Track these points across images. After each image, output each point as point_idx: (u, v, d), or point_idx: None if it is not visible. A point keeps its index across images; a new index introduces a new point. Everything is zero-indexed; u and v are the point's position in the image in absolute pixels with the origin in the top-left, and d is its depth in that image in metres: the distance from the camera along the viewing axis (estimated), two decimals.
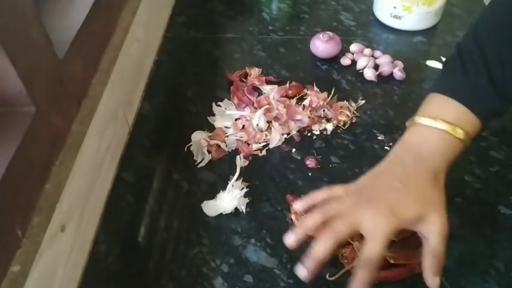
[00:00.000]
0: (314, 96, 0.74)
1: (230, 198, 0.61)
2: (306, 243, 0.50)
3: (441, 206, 0.49)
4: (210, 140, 0.69)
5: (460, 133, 0.51)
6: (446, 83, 0.55)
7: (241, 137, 0.70)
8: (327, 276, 0.57)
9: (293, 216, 0.59)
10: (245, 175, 0.65)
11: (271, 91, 0.76)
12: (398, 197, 0.49)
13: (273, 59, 0.84)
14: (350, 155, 0.69)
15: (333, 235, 0.47)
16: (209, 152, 0.68)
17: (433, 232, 0.48)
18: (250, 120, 0.71)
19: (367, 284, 0.46)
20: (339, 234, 0.47)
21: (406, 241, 0.54)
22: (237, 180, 0.62)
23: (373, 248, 0.46)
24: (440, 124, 0.51)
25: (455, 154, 0.52)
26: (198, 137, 0.69)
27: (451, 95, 0.52)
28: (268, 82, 0.79)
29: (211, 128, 0.72)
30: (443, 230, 0.48)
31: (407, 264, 0.54)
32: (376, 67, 0.81)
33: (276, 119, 0.72)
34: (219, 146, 0.69)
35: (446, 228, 0.49)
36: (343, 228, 0.47)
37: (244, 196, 0.61)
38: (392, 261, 0.53)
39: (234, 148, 0.70)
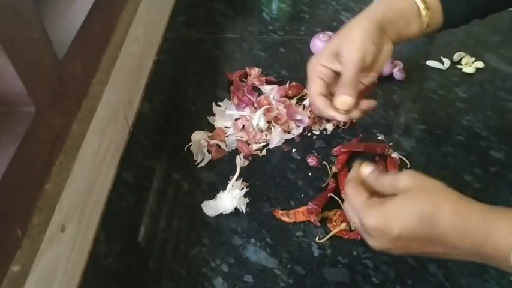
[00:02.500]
0: None
1: (230, 198, 0.61)
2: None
3: (353, 37, 0.54)
4: (210, 140, 0.69)
5: (423, 10, 0.55)
6: None
7: (241, 137, 0.70)
8: (316, 239, 0.58)
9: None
10: (245, 175, 0.65)
11: (271, 91, 0.76)
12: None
13: (273, 59, 0.84)
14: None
15: None
16: (209, 152, 0.68)
17: (343, 64, 0.54)
18: (250, 120, 0.71)
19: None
20: None
21: None
22: (237, 180, 0.62)
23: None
24: None
25: (407, 25, 0.55)
26: (198, 137, 0.69)
27: None
28: (268, 82, 0.79)
29: (211, 128, 0.72)
30: (350, 60, 0.53)
31: None
32: None
33: (276, 119, 0.72)
34: (219, 146, 0.69)
35: (355, 58, 0.53)
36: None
37: (244, 196, 0.61)
38: None
39: (234, 148, 0.70)
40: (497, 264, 0.42)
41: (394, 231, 0.43)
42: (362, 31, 0.53)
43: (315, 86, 0.56)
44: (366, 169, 0.50)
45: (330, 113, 0.55)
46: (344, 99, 0.53)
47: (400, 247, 0.45)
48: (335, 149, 0.68)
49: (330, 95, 0.56)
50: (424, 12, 0.55)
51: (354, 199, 0.48)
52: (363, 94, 0.56)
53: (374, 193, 0.48)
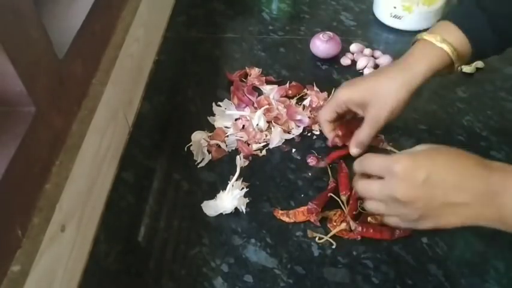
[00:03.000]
0: (314, 96, 0.74)
1: (230, 198, 0.61)
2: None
3: (386, 104, 0.58)
4: (210, 140, 0.69)
5: (447, 46, 0.57)
6: (451, 12, 0.61)
7: (241, 137, 0.70)
8: (316, 239, 0.58)
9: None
10: (245, 175, 0.65)
11: (271, 91, 0.76)
12: (361, 80, 0.62)
13: (273, 59, 0.84)
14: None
15: None
16: (209, 152, 0.68)
17: (365, 122, 0.60)
18: (250, 120, 0.71)
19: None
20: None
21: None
22: (237, 180, 0.62)
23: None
24: (430, 37, 0.58)
25: (437, 63, 0.58)
26: (198, 137, 0.69)
27: (451, 19, 0.58)
28: (268, 82, 0.79)
29: (211, 128, 0.72)
30: (373, 124, 0.60)
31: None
32: (376, 67, 0.81)
33: (276, 119, 0.72)
34: (219, 146, 0.69)
35: (378, 124, 0.59)
36: None
37: (244, 196, 0.61)
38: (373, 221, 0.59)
39: (234, 148, 0.70)
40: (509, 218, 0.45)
41: (421, 173, 0.46)
42: (396, 102, 0.58)
43: (327, 114, 0.64)
44: (355, 150, 0.63)
45: (330, 139, 0.66)
46: (356, 152, 0.63)
47: (425, 195, 0.46)
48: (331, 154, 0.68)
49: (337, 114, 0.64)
50: (456, 64, 0.58)
51: (377, 161, 0.51)
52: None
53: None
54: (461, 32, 0.57)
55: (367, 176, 0.53)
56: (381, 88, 0.58)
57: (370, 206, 0.53)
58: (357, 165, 0.54)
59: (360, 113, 0.61)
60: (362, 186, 0.53)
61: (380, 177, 0.50)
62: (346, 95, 0.61)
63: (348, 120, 0.67)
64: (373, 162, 0.51)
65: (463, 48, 0.57)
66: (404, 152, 0.51)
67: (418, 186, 0.46)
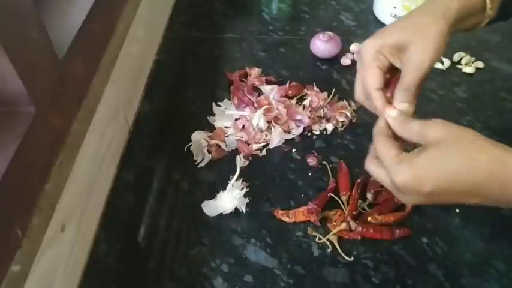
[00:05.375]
0: (314, 96, 0.74)
1: (230, 198, 0.61)
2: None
3: (428, 38, 0.48)
4: (210, 140, 0.69)
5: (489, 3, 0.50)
6: None
7: (241, 137, 0.70)
8: (316, 239, 0.58)
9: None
10: (245, 175, 0.65)
11: (271, 91, 0.76)
12: (389, 25, 0.52)
13: (273, 59, 0.84)
14: (350, 155, 0.69)
15: None
16: (209, 152, 0.68)
17: (408, 65, 0.49)
18: (250, 120, 0.71)
19: None
20: None
21: (384, 204, 0.61)
22: (237, 180, 0.62)
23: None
24: None
25: (468, 21, 0.51)
26: (198, 137, 0.69)
27: None
28: (268, 82, 0.79)
29: (211, 128, 0.72)
30: (419, 65, 0.48)
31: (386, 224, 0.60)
32: None
33: (276, 119, 0.72)
34: (219, 146, 0.69)
35: (425, 63, 0.48)
36: None
37: (244, 196, 0.61)
38: (373, 221, 0.59)
39: (234, 148, 0.70)
40: None
41: (425, 188, 0.42)
42: (438, 33, 0.48)
43: (374, 79, 0.50)
44: (392, 111, 0.48)
45: (386, 114, 0.49)
46: (405, 107, 0.49)
47: (433, 201, 0.44)
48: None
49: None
50: (489, 6, 0.51)
51: (383, 155, 0.45)
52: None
53: (399, 139, 0.46)
54: None
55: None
56: (418, 22, 0.49)
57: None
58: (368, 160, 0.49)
59: (397, 64, 0.50)
60: (372, 170, 0.48)
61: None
62: (378, 41, 0.50)
63: None
64: (378, 157, 0.46)
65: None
66: (411, 155, 0.44)
67: (423, 197, 0.43)
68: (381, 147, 0.46)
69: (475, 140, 0.42)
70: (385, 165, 0.45)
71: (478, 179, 0.41)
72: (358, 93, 0.53)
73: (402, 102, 0.49)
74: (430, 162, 0.42)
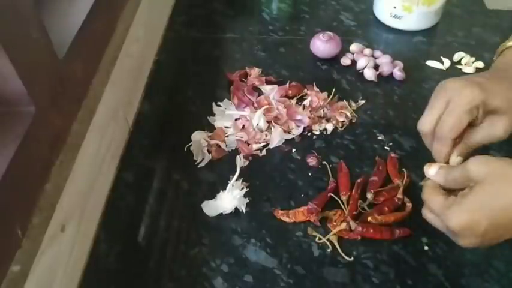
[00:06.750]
0: (314, 96, 0.74)
1: (230, 198, 0.61)
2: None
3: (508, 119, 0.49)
4: (210, 140, 0.69)
5: None
6: None
7: (241, 137, 0.70)
8: (316, 239, 0.58)
9: None
10: (245, 175, 0.65)
11: (271, 91, 0.76)
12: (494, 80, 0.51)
13: (273, 59, 0.84)
14: (350, 155, 0.69)
15: None
16: (209, 152, 0.68)
17: (487, 129, 0.50)
18: (250, 120, 0.71)
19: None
20: None
21: (384, 204, 0.61)
22: (237, 180, 0.62)
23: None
24: None
25: None
26: (198, 137, 0.69)
27: None
28: (268, 82, 0.79)
29: (211, 128, 0.72)
30: (497, 136, 0.50)
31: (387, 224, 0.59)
32: (376, 67, 0.81)
33: (276, 119, 0.72)
34: (219, 146, 0.69)
35: (501, 137, 0.50)
36: None
37: (244, 196, 0.61)
38: (373, 221, 0.59)
39: (234, 148, 0.70)
40: None
41: (480, 228, 0.42)
42: None
43: (457, 130, 0.49)
44: (431, 170, 0.49)
45: (426, 172, 0.50)
46: (459, 161, 0.51)
47: (490, 239, 0.44)
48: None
49: None
50: None
51: (432, 204, 0.46)
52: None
53: (450, 191, 0.47)
54: None
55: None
56: (505, 96, 0.49)
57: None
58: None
59: (477, 121, 0.50)
60: (429, 218, 0.48)
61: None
62: (482, 96, 0.48)
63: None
64: (428, 207, 0.47)
65: None
66: (459, 198, 0.45)
67: (480, 237, 0.43)
68: (428, 196, 0.47)
69: None
70: (437, 214, 0.46)
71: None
72: (429, 123, 0.51)
73: (460, 156, 0.51)
74: (479, 201, 0.43)
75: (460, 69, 0.82)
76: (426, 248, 0.58)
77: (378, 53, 0.84)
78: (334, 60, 0.83)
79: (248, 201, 0.62)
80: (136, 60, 0.74)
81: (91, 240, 0.58)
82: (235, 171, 0.63)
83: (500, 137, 0.50)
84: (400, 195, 0.61)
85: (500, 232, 0.43)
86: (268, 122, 0.71)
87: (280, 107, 0.73)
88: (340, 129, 0.72)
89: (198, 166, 0.67)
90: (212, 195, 0.62)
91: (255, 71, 0.80)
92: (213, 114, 0.74)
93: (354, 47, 0.85)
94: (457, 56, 0.83)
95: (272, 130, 0.71)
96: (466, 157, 0.49)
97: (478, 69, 0.81)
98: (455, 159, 0.51)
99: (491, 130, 0.50)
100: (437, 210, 0.46)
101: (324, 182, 0.65)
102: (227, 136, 0.70)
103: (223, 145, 0.69)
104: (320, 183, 0.65)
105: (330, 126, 0.72)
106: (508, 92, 0.49)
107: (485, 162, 0.44)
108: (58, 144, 0.50)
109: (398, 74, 0.79)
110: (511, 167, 0.43)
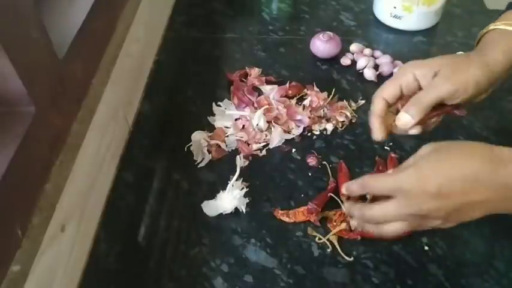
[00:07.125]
0: (314, 96, 0.74)
1: (230, 198, 0.61)
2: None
3: (459, 71, 0.50)
4: (210, 140, 0.69)
5: None
6: None
7: (241, 137, 0.70)
8: (316, 239, 0.58)
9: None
10: (245, 175, 0.65)
11: (271, 91, 0.76)
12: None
13: (273, 59, 0.84)
14: (350, 155, 0.69)
15: None
16: (209, 152, 0.68)
17: (428, 84, 0.51)
18: (250, 120, 0.71)
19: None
20: None
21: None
22: (237, 180, 0.62)
23: None
24: (505, 25, 0.53)
25: None
26: (198, 137, 0.69)
27: None
28: (268, 82, 0.79)
29: (211, 128, 0.72)
30: (437, 86, 0.51)
31: None
32: (376, 67, 0.81)
33: (276, 119, 0.72)
34: (219, 146, 0.69)
35: (443, 87, 0.50)
36: None
37: (244, 196, 0.61)
38: None
39: (234, 148, 0.70)
40: None
41: (432, 187, 0.44)
42: (471, 73, 0.50)
43: (388, 90, 0.53)
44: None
45: (379, 134, 0.53)
46: (407, 119, 0.52)
47: (442, 204, 0.45)
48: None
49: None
50: None
51: (377, 183, 0.48)
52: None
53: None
54: None
55: (357, 198, 0.52)
56: (459, 60, 0.52)
57: (393, 228, 0.49)
58: (357, 187, 0.50)
59: (424, 83, 0.52)
60: (374, 213, 0.48)
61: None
62: (418, 64, 0.52)
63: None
64: (380, 184, 0.48)
65: None
66: (409, 165, 0.47)
67: (432, 199, 0.44)
68: (378, 178, 0.49)
69: (464, 142, 0.46)
70: (392, 187, 0.46)
71: (477, 176, 0.44)
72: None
73: (406, 112, 0.52)
74: (432, 165, 0.45)
75: None
76: (426, 248, 0.58)
77: (378, 53, 0.84)
78: (334, 60, 0.83)
79: (248, 201, 0.62)
80: (136, 60, 0.74)
81: (91, 240, 0.58)
82: (235, 171, 0.63)
83: (441, 89, 0.51)
84: None
85: (451, 198, 0.44)
86: (268, 122, 0.71)
87: (280, 107, 0.73)
88: (340, 129, 0.72)
89: (198, 166, 0.67)
90: (212, 195, 0.62)
91: (255, 71, 0.80)
92: (213, 114, 0.74)
93: (354, 47, 0.85)
94: None
95: (272, 130, 0.71)
96: (426, 125, 0.53)
97: None
98: (403, 116, 0.52)
99: (431, 83, 0.51)
100: (390, 185, 0.46)
101: (324, 182, 0.65)
102: (227, 136, 0.70)
103: (223, 145, 0.69)
104: (320, 183, 0.65)
105: (330, 126, 0.72)
106: (446, 58, 0.52)
107: (433, 144, 0.47)
108: (58, 144, 0.50)
109: None
110: (457, 142, 0.46)
